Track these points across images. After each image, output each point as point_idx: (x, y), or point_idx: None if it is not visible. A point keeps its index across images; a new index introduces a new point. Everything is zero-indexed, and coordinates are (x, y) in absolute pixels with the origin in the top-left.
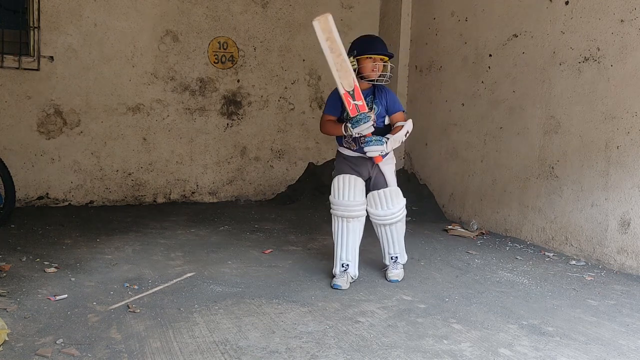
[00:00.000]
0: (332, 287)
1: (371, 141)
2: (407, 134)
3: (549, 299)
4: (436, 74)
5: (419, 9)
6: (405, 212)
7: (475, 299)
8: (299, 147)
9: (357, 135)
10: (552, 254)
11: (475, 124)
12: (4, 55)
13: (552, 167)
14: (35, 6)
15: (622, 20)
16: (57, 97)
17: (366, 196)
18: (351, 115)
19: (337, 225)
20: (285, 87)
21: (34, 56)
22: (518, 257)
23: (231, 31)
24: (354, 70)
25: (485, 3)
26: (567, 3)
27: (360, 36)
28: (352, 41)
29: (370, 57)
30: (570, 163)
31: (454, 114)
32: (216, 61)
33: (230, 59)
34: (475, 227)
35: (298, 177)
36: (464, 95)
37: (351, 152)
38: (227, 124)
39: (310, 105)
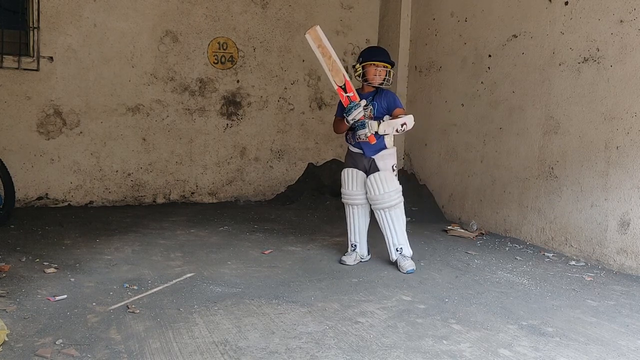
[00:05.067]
0: (339, 262)
1: (359, 126)
2: (404, 126)
3: (549, 300)
4: (436, 75)
5: (419, 9)
6: (401, 199)
7: (474, 300)
8: (299, 147)
9: (351, 123)
10: (551, 255)
11: (475, 124)
12: (4, 56)
13: (552, 168)
14: (35, 6)
15: (621, 21)
16: (56, 98)
17: None
18: (345, 106)
19: (346, 211)
20: (285, 88)
21: (33, 56)
22: (518, 257)
23: (231, 32)
24: (360, 75)
25: (484, 3)
26: (566, 3)
27: (368, 47)
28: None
29: (373, 64)
30: (570, 163)
31: (454, 115)
32: (216, 61)
33: (230, 59)
34: (475, 227)
35: (297, 178)
36: (464, 95)
37: (354, 148)
38: (227, 125)
39: (310, 106)
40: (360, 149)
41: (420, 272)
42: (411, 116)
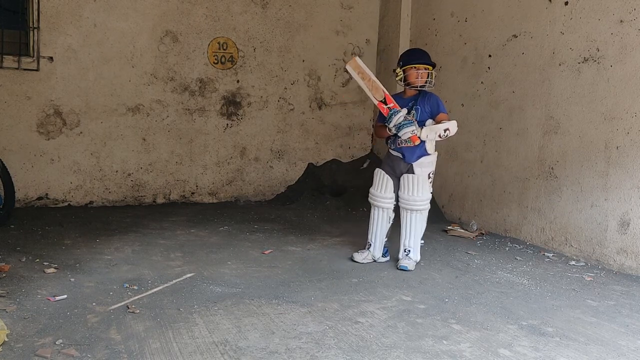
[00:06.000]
0: (350, 259)
1: (403, 125)
2: (447, 131)
3: (549, 300)
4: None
5: (419, 9)
6: (428, 206)
7: (474, 300)
8: (299, 147)
9: (394, 130)
10: (551, 255)
11: (475, 124)
12: (4, 56)
13: (552, 168)
14: (35, 6)
15: (621, 21)
16: (56, 98)
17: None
18: (385, 116)
19: (371, 211)
20: (285, 88)
21: (33, 57)
22: (518, 257)
23: (231, 32)
24: (401, 79)
25: (484, 3)
26: (566, 3)
27: (407, 49)
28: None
29: (414, 67)
30: (570, 163)
31: (454, 115)
32: (216, 62)
33: (230, 59)
34: (475, 227)
35: (297, 178)
36: (464, 95)
37: (394, 151)
38: (227, 125)
39: (310, 106)
40: (401, 153)
41: (420, 272)
42: (454, 122)
